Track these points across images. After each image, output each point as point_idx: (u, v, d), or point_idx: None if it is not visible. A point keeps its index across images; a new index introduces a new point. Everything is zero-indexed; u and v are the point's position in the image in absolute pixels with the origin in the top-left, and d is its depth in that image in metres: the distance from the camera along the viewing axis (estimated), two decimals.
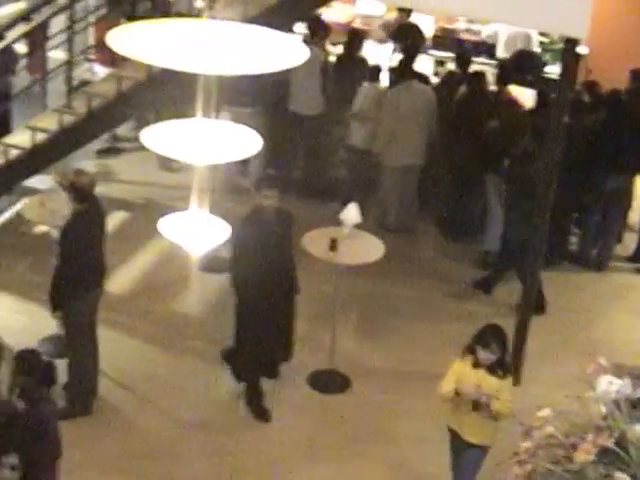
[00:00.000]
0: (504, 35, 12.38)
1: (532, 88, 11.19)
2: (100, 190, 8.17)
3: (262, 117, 10.71)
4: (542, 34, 12.36)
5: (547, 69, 12.07)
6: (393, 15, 12.51)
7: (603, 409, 4.13)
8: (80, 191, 7.52)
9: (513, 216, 9.48)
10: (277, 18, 9.04)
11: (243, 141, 5.45)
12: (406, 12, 12.22)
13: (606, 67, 11.87)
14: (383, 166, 10.76)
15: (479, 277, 10.07)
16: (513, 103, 10.74)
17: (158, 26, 4.80)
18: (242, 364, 8.07)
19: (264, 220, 7.78)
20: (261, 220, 7.78)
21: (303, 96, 11.02)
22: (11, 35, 9.73)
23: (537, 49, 12.37)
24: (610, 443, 3.87)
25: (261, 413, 8.03)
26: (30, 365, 6.06)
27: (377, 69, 10.99)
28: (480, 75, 10.77)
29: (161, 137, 5.33)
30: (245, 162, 10.84)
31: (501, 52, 12.45)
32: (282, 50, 4.71)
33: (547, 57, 12.29)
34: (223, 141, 5.38)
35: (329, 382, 8.48)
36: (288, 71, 10.24)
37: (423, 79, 10.94)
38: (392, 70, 11.30)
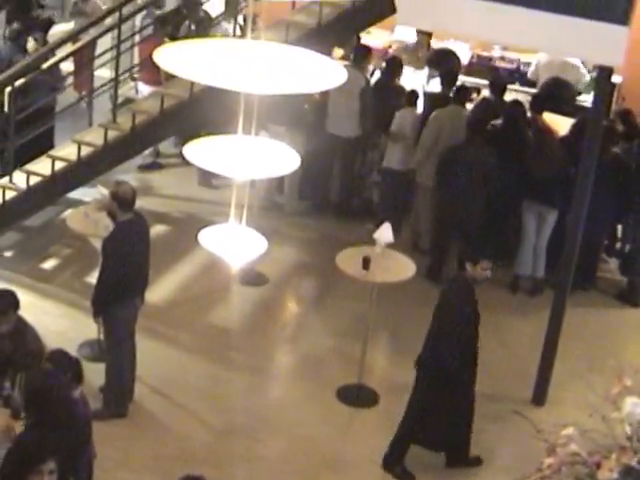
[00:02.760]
0: (540, 62, 12.41)
1: (566, 116, 11.22)
2: (141, 204, 8.40)
3: (298, 136, 10.76)
4: None
5: (581, 97, 12.09)
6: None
7: (628, 430, 4.22)
8: (123, 199, 7.74)
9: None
10: (317, 41, 9.28)
11: (281, 158, 5.65)
12: (427, 35, 12.24)
13: None
14: (417, 185, 10.86)
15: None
16: (546, 131, 10.84)
17: (201, 45, 5.02)
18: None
19: (472, 291, 7.44)
20: (470, 290, 7.43)
21: (341, 118, 11.16)
22: (58, 54, 10.00)
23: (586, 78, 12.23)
24: (634, 462, 3.96)
25: None
26: (60, 365, 6.08)
27: (414, 94, 11.07)
28: (518, 105, 10.81)
29: (202, 152, 5.54)
30: (281, 179, 11.06)
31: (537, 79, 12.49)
32: (320, 72, 4.91)
33: (581, 85, 12.32)
34: (262, 157, 5.59)
35: (358, 396, 8.58)
36: (327, 93, 10.65)
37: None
38: (430, 95, 11.42)
